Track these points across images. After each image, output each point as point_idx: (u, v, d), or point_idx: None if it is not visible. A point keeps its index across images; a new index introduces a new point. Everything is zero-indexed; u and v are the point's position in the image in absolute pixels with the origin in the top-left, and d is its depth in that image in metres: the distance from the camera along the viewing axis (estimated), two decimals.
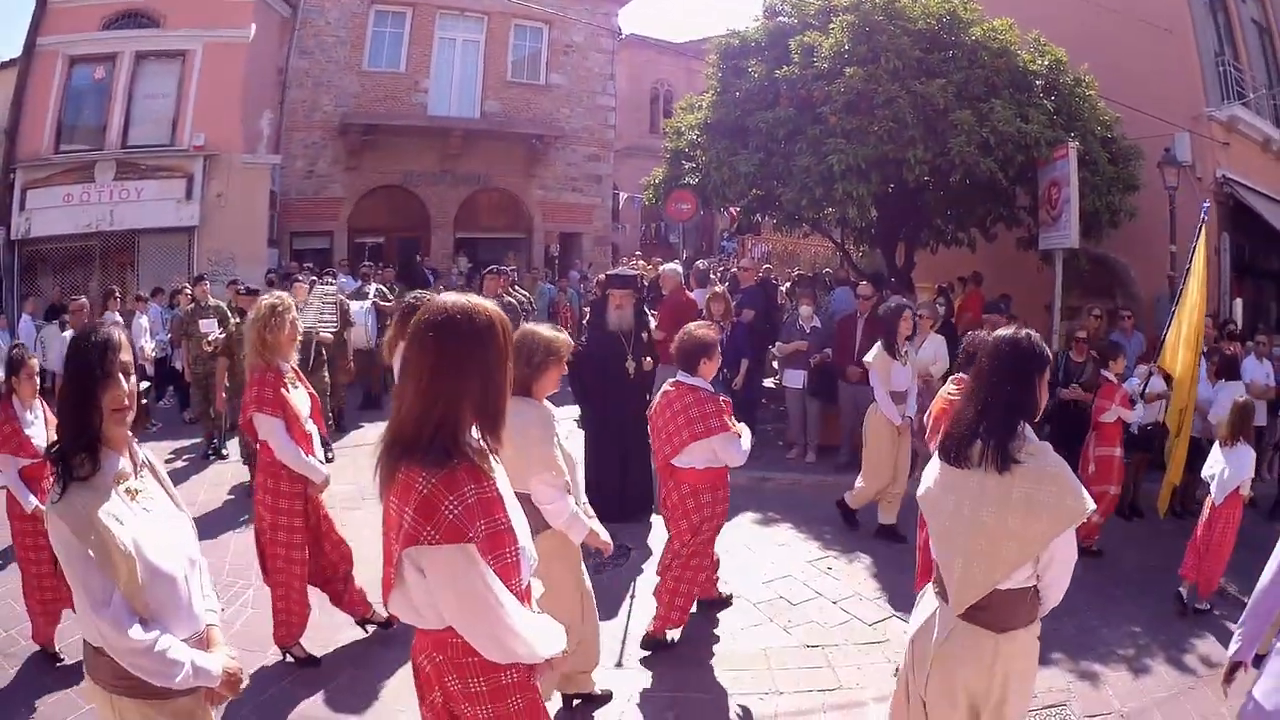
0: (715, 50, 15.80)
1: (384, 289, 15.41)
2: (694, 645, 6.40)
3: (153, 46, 20.41)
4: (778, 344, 12.26)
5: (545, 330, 5.05)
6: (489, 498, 2.71)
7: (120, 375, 3.01)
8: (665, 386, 6.44)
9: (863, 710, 5.83)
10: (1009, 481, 3.43)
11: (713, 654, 6.47)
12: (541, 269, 23.84)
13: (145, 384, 12.31)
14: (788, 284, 16.36)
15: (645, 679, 5.86)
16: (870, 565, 8.45)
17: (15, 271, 19.19)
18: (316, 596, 6.26)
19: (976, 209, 14.36)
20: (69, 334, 11.13)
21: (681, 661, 6.30)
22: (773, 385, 13.24)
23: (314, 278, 13.62)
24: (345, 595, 6.51)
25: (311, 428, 6.21)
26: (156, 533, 3.02)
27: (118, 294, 14.36)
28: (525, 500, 3.38)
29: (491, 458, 2.82)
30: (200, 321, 12.16)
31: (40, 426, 6.36)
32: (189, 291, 13.56)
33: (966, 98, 12.69)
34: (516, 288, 13.38)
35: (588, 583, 5.36)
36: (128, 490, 3.04)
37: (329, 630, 6.47)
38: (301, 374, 6.45)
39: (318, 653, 6.22)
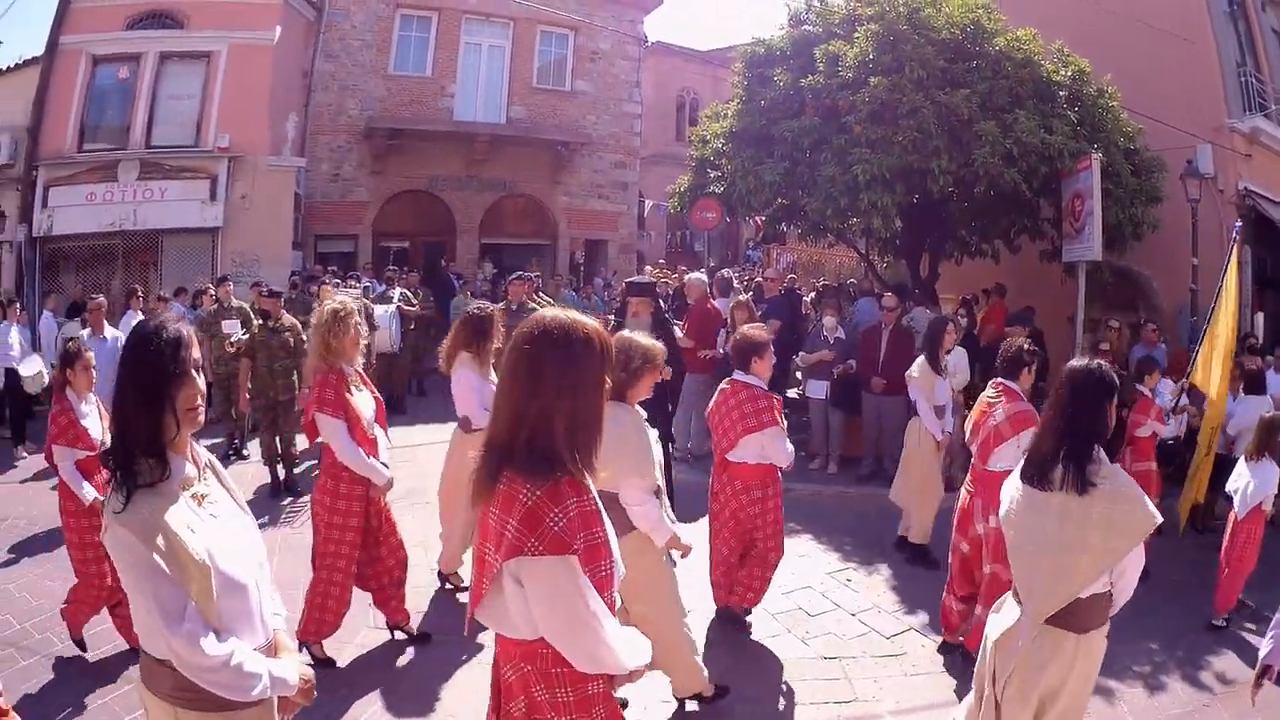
0: (741, 58, 15.80)
1: (408, 293, 15.48)
2: (712, 655, 6.32)
3: (177, 47, 20.48)
4: (801, 354, 12.24)
5: (643, 338, 5.22)
6: (589, 511, 2.73)
7: (194, 372, 2.87)
8: (722, 385, 6.81)
9: None
10: (1088, 503, 3.83)
11: (731, 664, 6.45)
12: (565, 276, 23.81)
13: None
14: (812, 294, 16.30)
15: (661, 686, 5.84)
16: (890, 578, 8.46)
17: (37, 268, 19.31)
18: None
19: (1000, 220, 14.31)
20: (87, 332, 11.17)
21: None
22: (796, 395, 13.21)
23: (337, 281, 13.66)
24: (392, 600, 6.55)
25: (377, 431, 6.25)
26: (227, 539, 2.87)
27: (140, 293, 14.44)
28: (613, 501, 3.43)
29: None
30: (223, 322, 12.25)
31: (95, 419, 6.41)
32: (212, 292, 13.63)
33: (991, 108, 12.66)
34: (540, 294, 13.37)
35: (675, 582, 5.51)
36: (194, 495, 2.88)
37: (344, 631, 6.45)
38: (366, 377, 6.49)
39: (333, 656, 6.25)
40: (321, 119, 23.15)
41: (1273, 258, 17.48)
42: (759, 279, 15.98)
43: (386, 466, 6.23)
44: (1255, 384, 10.44)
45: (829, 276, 25.05)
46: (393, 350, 13.75)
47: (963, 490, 6.77)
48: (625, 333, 5.18)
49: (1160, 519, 3.96)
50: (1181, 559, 9.11)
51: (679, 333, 10.36)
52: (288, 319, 10.96)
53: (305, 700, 3.14)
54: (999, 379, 6.68)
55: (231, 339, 11.56)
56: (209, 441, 12.25)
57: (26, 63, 20.19)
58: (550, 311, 2.88)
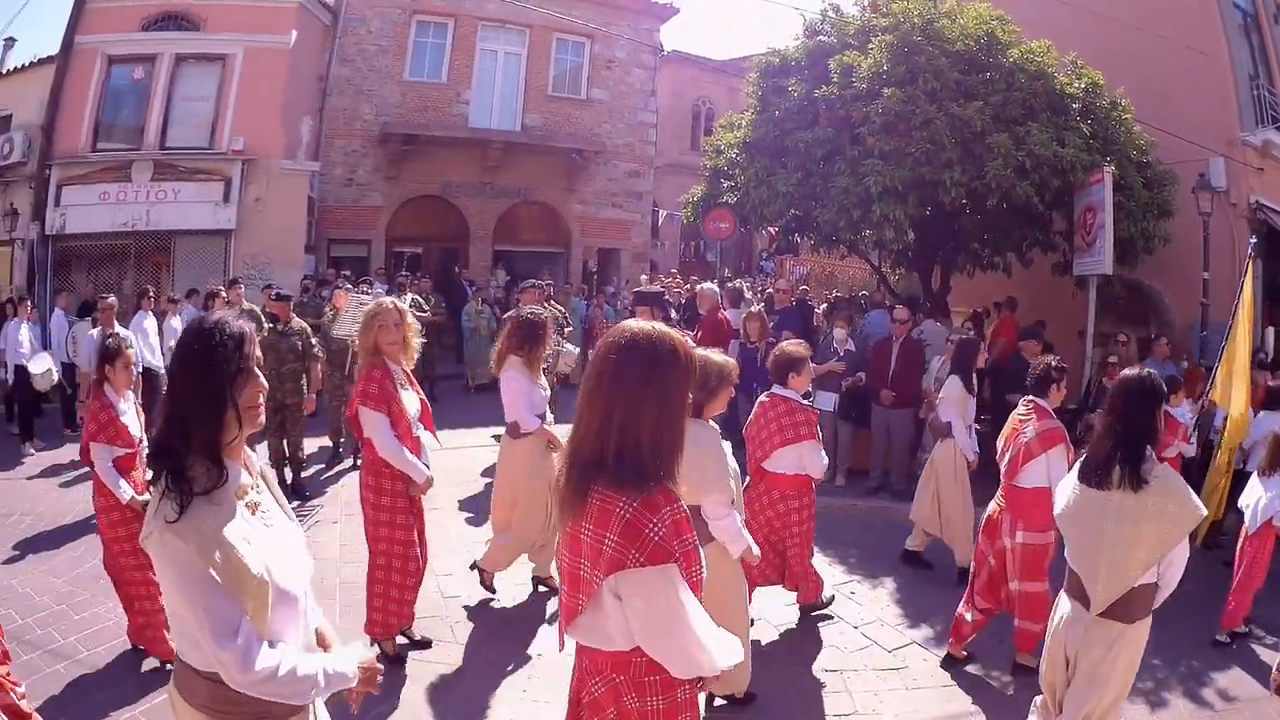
0: (755, 68, 15.77)
1: (420, 299, 15.46)
2: None
3: (193, 49, 20.64)
4: (811, 365, 12.17)
5: (716, 356, 5.44)
6: (682, 518, 2.72)
7: (257, 370, 2.77)
8: (761, 398, 7.14)
9: None
10: (1143, 498, 4.31)
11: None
12: (577, 284, 23.83)
13: None
14: (824, 305, 16.29)
15: None
16: (894, 591, 8.46)
17: (49, 266, 19.43)
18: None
19: (1012, 233, 14.28)
20: (97, 331, 11.18)
21: None
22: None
23: (349, 286, 13.68)
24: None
25: (420, 430, 6.30)
26: (281, 550, 2.78)
27: (151, 293, 14.48)
28: (694, 513, 3.46)
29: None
30: None
31: (132, 416, 6.42)
32: (224, 295, 13.65)
33: (1003, 120, 12.63)
34: (552, 302, 13.38)
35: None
36: (248, 504, 2.78)
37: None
38: (413, 378, 6.52)
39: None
40: (336, 123, 23.19)
41: None
42: (770, 290, 15.93)
43: (428, 466, 6.26)
44: (1274, 400, 10.36)
45: (842, 288, 25.01)
46: None
47: (992, 503, 6.83)
48: (701, 352, 5.24)
49: (1206, 512, 4.61)
50: (1191, 575, 9.08)
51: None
52: (296, 323, 10.99)
53: (370, 688, 3.04)
54: (1029, 397, 6.73)
55: None
56: None
57: (41, 61, 20.36)
58: (637, 322, 2.88)
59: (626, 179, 27.14)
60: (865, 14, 14.55)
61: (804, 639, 7.25)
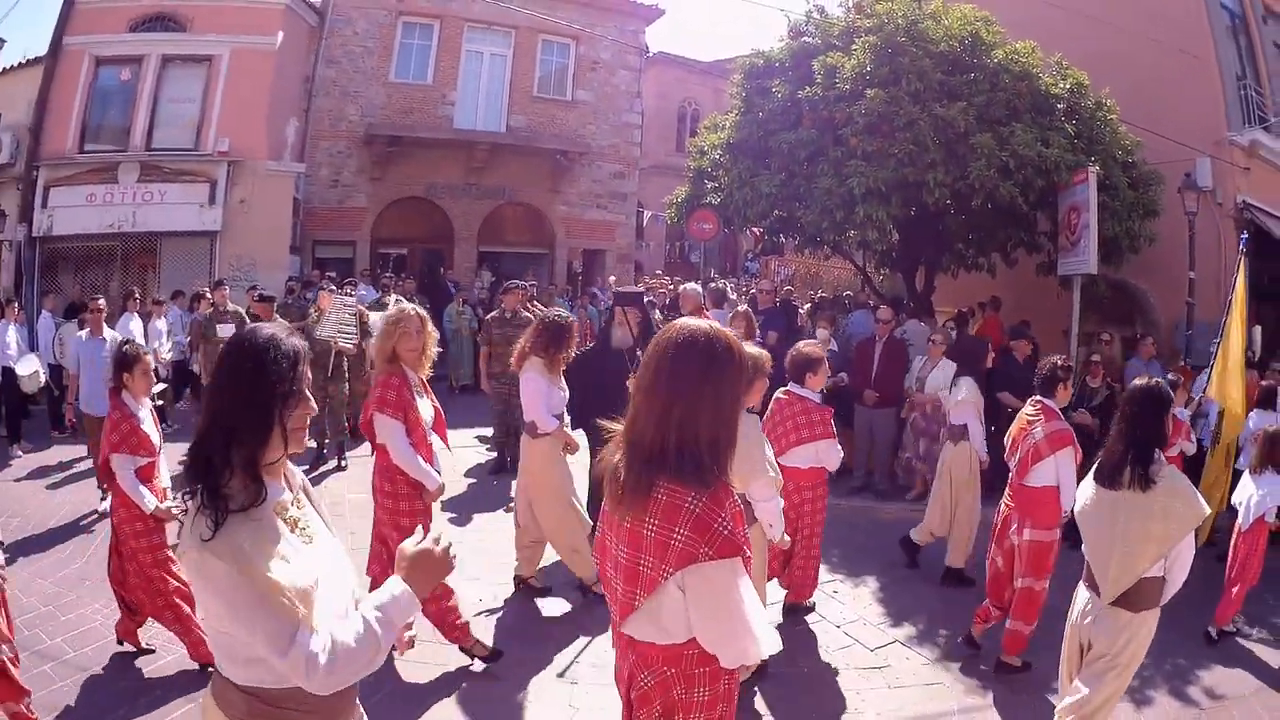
0: (740, 70, 15.79)
1: (404, 300, 15.40)
2: None
3: (179, 50, 20.55)
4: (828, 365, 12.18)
5: (752, 348, 5.46)
6: (739, 512, 2.79)
7: (308, 392, 2.70)
8: (778, 395, 7.22)
9: None
10: (1151, 497, 4.68)
11: None
12: (561, 285, 23.77)
13: (163, 386, 12.39)
14: (809, 305, 16.32)
15: None
16: (876, 590, 8.48)
17: (36, 268, 19.34)
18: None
19: (997, 234, 14.33)
20: (85, 333, 11.13)
21: None
22: None
23: (334, 287, 13.66)
24: None
25: (434, 439, 6.31)
26: (323, 567, 2.68)
27: (137, 295, 14.46)
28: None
29: None
30: (218, 326, 12.30)
31: (151, 423, 6.37)
32: (208, 296, 13.64)
33: (987, 121, 12.66)
34: (534, 303, 13.37)
35: None
36: (287, 520, 2.68)
37: None
38: (428, 386, 6.52)
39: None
40: (322, 125, 23.15)
41: (1270, 271, 17.43)
42: (753, 291, 15.96)
43: (439, 473, 6.28)
44: (1268, 399, 10.43)
45: (826, 288, 25.07)
46: None
47: (1002, 503, 6.90)
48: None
49: (1209, 510, 5.01)
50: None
51: None
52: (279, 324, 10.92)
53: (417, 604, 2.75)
54: (1037, 397, 6.81)
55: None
56: None
57: (29, 62, 20.27)
58: (692, 320, 2.88)
59: (611, 180, 27.08)
60: (850, 15, 14.57)
61: (787, 637, 7.21)
